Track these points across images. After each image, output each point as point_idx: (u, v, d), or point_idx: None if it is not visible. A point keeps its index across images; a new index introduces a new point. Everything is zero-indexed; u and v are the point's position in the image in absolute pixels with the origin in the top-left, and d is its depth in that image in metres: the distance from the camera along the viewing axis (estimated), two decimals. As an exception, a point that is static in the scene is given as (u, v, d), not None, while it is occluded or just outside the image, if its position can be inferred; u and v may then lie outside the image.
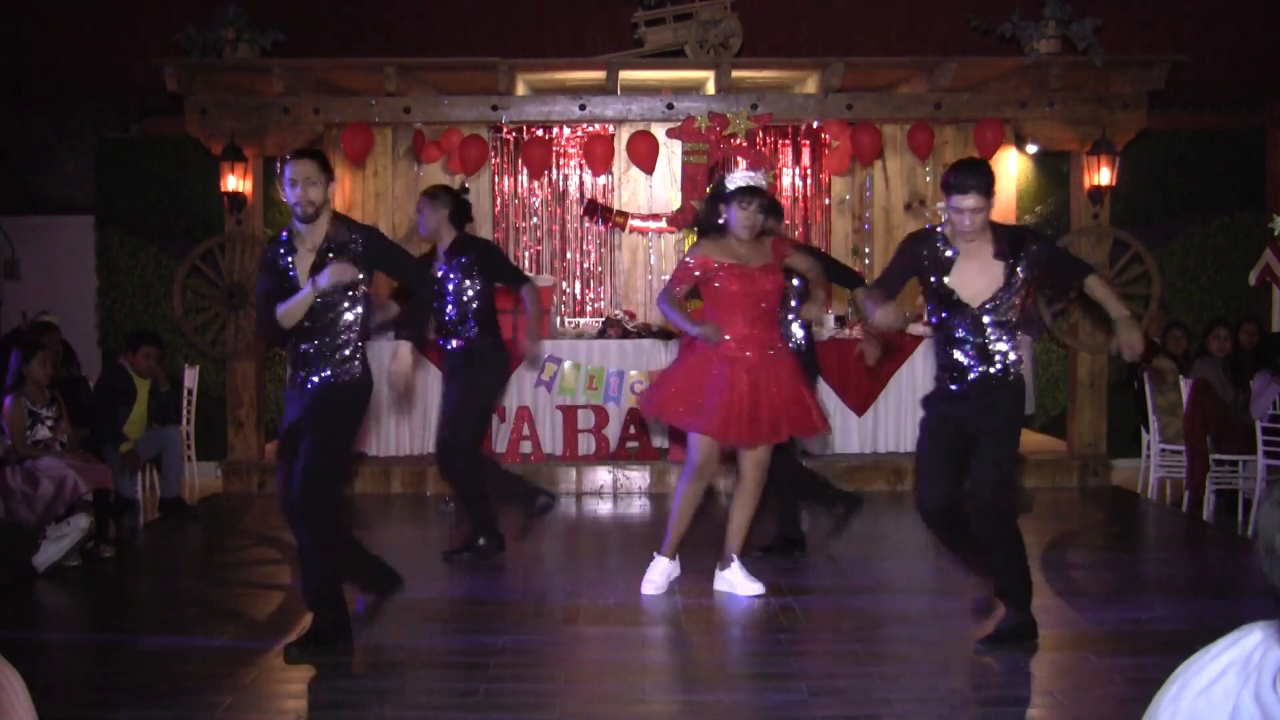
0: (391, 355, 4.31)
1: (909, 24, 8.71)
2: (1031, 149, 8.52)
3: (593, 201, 8.65)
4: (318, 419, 4.08)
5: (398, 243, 4.67)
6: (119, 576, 5.67)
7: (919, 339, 7.75)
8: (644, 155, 7.98)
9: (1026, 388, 4.62)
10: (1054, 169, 8.73)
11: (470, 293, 5.52)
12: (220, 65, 7.69)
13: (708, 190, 4.83)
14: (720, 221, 4.75)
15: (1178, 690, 1.02)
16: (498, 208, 8.82)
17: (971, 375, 4.07)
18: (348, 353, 4.16)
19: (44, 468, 5.64)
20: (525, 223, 8.88)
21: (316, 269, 4.07)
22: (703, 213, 4.90)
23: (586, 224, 8.84)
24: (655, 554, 4.97)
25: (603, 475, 7.53)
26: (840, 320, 8.17)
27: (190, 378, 7.92)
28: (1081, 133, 7.77)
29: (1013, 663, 4.08)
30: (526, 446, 7.58)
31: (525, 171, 8.64)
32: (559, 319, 8.43)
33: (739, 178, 4.73)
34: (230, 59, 7.69)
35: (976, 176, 3.95)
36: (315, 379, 4.11)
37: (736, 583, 4.92)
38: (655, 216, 8.60)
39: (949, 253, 4.11)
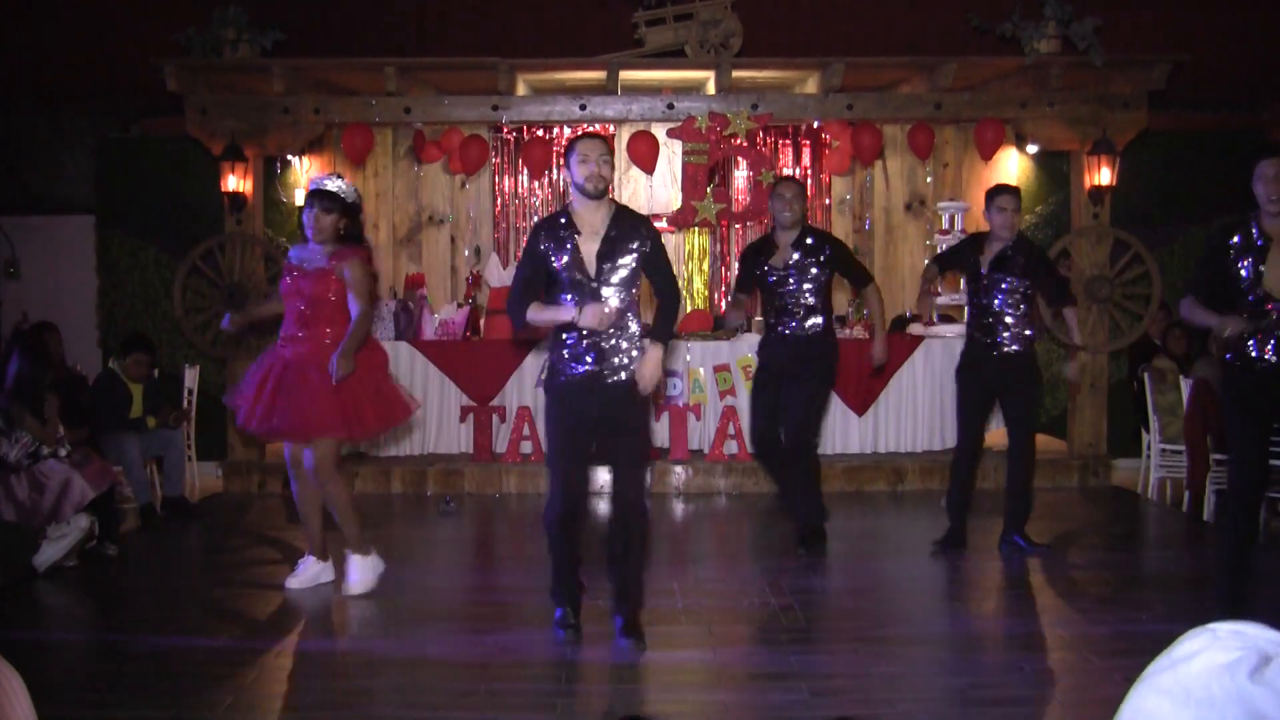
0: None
1: (909, 24, 8.71)
2: (1032, 149, 8.52)
3: (593, 201, 8.64)
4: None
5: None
6: (119, 576, 5.67)
7: (919, 339, 7.74)
8: (644, 155, 7.98)
9: None
10: (1054, 169, 8.73)
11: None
12: (220, 65, 7.70)
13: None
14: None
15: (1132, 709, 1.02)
16: (498, 208, 8.82)
17: None
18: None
19: (48, 472, 5.63)
20: (525, 223, 8.87)
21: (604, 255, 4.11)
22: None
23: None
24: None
25: (602, 475, 7.51)
26: (840, 320, 8.17)
27: (190, 378, 7.92)
28: (1082, 132, 7.77)
29: (1013, 663, 4.08)
30: (527, 446, 7.58)
31: (525, 171, 8.64)
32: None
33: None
34: (230, 59, 7.69)
35: None
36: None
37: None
38: (656, 216, 8.58)
39: None
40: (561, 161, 8.76)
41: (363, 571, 5.06)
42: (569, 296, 4.08)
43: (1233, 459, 4.38)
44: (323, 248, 4.91)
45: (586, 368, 4.09)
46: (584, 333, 4.07)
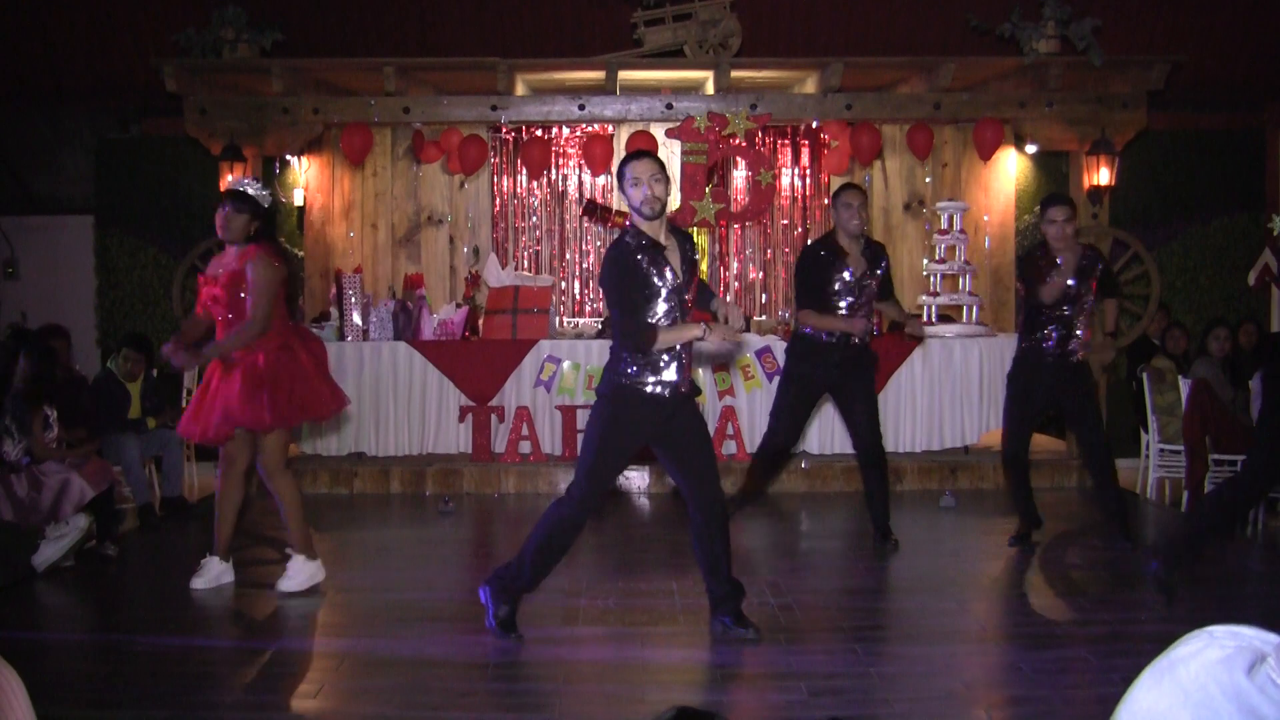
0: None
1: (909, 24, 8.71)
2: (1031, 149, 8.52)
3: (592, 201, 8.65)
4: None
5: None
6: (118, 576, 5.66)
7: (917, 340, 7.74)
8: (643, 155, 7.98)
9: None
10: (1053, 169, 8.74)
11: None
12: (219, 65, 7.70)
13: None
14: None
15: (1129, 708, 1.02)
16: (497, 208, 8.82)
17: None
18: None
19: (47, 471, 5.63)
20: (524, 223, 8.88)
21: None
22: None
23: (585, 224, 8.84)
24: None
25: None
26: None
27: (189, 378, 7.92)
28: (1081, 132, 7.77)
29: (1011, 662, 4.08)
30: (525, 447, 7.58)
31: (524, 171, 8.64)
32: (558, 319, 8.43)
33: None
34: (229, 59, 7.70)
35: None
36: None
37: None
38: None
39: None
40: (562, 163, 8.80)
41: (300, 574, 5.05)
42: (664, 307, 4.12)
43: (1255, 467, 4.39)
44: (236, 250, 4.95)
45: (671, 381, 4.16)
46: (674, 349, 4.14)
